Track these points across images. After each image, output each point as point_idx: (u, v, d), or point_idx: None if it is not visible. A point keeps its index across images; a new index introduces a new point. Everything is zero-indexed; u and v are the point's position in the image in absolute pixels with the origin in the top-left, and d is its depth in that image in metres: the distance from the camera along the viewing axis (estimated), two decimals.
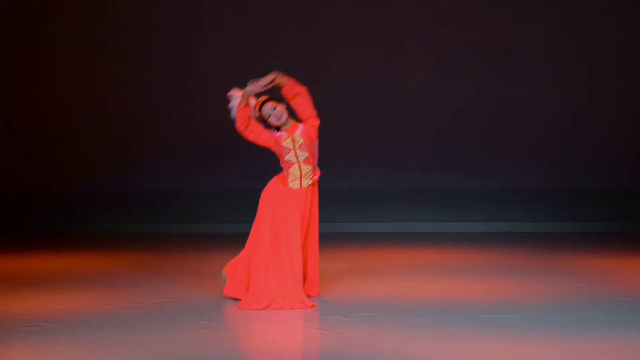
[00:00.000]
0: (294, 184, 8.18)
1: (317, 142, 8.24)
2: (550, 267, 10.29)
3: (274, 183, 8.26)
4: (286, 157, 8.17)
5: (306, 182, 8.21)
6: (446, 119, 13.78)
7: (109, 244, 12.28)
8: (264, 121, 8.23)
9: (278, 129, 8.20)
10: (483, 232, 13.22)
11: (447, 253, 11.36)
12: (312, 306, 8.08)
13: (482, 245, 11.98)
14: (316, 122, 8.16)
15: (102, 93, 13.96)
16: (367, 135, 13.83)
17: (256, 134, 8.20)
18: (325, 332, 7.22)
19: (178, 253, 11.58)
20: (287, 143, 8.15)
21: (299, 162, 8.18)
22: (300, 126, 8.16)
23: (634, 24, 13.82)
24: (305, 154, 8.17)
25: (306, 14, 13.88)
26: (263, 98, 8.20)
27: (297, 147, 8.16)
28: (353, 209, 13.74)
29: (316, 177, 8.27)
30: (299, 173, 8.18)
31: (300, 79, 8.28)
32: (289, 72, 8.28)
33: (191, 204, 13.94)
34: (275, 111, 8.12)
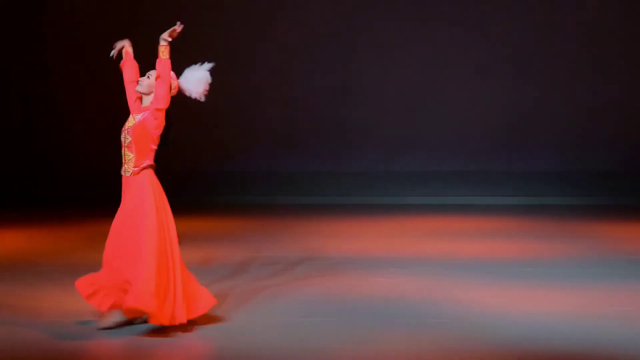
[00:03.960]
0: (122, 170, 7.19)
1: (152, 132, 7.07)
2: (563, 231, 11.88)
3: None
4: (121, 137, 7.20)
5: (128, 171, 7.11)
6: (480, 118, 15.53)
7: None
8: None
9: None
10: (510, 204, 14.51)
11: (481, 221, 12.78)
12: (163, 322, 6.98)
13: (510, 215, 13.34)
14: (157, 113, 7.06)
15: None
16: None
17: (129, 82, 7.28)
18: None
19: None
20: (128, 122, 7.18)
21: (123, 144, 7.16)
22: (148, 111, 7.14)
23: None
24: (129, 139, 7.09)
25: None
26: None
27: (128, 127, 7.14)
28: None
29: (137, 170, 7.09)
30: (123, 158, 7.17)
31: None
32: None
33: None
34: (141, 78, 7.20)
